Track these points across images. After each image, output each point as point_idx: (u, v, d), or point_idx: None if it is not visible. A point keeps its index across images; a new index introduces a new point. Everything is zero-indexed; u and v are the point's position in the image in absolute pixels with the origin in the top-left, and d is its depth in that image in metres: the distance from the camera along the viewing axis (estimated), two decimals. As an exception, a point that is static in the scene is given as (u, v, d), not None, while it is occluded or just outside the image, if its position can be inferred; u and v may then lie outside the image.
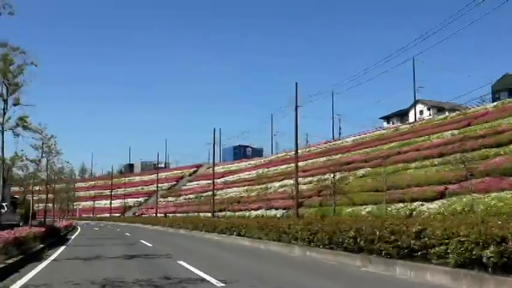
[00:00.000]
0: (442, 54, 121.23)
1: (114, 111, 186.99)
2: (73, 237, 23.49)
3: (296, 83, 30.40)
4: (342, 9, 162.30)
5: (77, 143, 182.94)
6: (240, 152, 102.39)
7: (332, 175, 23.32)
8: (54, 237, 17.41)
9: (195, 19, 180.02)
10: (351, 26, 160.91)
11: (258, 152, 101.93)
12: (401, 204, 22.42)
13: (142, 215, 71.49)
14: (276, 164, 64.93)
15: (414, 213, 20.38)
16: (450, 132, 35.91)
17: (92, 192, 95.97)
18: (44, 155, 16.32)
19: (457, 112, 46.89)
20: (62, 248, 15.17)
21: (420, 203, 21.56)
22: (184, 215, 55.73)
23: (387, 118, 70.36)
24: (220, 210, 47.84)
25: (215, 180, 77.61)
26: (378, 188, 27.68)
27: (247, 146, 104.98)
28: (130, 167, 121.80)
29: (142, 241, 19.53)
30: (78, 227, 43.69)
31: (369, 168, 35.42)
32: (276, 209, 36.90)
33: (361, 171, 36.11)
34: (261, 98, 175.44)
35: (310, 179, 43.30)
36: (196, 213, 52.68)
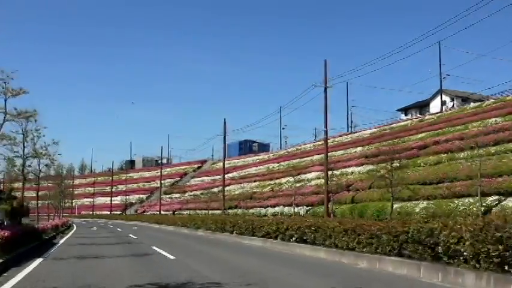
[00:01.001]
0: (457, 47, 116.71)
1: (113, 110, 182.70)
2: (62, 241, 18.65)
3: (325, 61, 26.12)
4: (344, 8, 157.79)
5: (77, 141, 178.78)
6: (246, 147, 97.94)
7: (389, 163, 18.78)
8: (31, 243, 12.98)
9: (196, 19, 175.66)
10: (352, 26, 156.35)
11: (264, 147, 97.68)
12: (468, 199, 18.03)
13: (145, 213, 67.31)
14: (287, 158, 60.61)
15: (494, 210, 16.04)
16: (493, 119, 31.78)
17: (92, 189, 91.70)
18: (7, 117, 10.99)
19: (492, 100, 42.66)
20: (36, 263, 9.99)
21: (496, 197, 17.21)
22: (193, 212, 51.49)
23: (405, 110, 65.92)
24: (231, 207, 43.57)
25: (221, 176, 73.49)
26: (425, 181, 23.44)
27: (253, 141, 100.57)
28: (131, 163, 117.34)
29: (156, 249, 14.19)
30: (74, 226, 39.34)
31: (405, 160, 31.10)
32: (297, 205, 32.57)
33: (394, 164, 31.91)
34: (265, 95, 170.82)
35: (330, 172, 38.99)
36: (204, 211, 48.29)
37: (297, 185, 41.18)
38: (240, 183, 56.03)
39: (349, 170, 36.58)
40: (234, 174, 67.80)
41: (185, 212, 54.10)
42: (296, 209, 31.87)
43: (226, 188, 57.67)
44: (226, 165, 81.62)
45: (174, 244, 17.40)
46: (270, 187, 45.32)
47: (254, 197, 43.35)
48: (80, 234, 24.69)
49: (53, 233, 20.31)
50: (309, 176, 42.17)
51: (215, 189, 62.55)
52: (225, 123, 42.69)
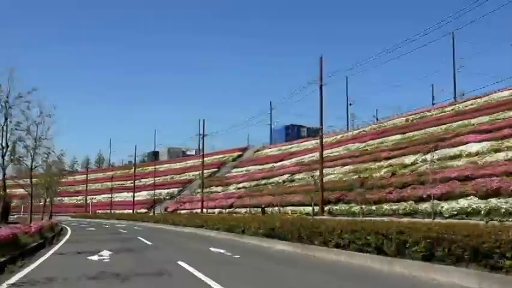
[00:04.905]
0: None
1: (134, 103, 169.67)
2: None
3: None
4: None
5: (95, 135, 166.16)
6: (293, 133, 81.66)
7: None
8: None
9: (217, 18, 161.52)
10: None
11: (313, 132, 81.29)
12: None
13: (178, 211, 51.13)
14: (376, 136, 43.71)
15: None
16: None
17: (109, 184, 76.23)
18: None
19: None
20: None
21: None
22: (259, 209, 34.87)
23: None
24: (330, 202, 26.90)
25: (274, 164, 56.94)
26: None
27: (301, 126, 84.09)
28: (155, 154, 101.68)
29: None
30: (67, 233, 22.98)
31: None
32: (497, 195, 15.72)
33: None
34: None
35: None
36: (298, 208, 31.01)
37: (451, 163, 24.42)
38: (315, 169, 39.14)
39: None
40: (294, 160, 51.27)
41: (243, 211, 37.69)
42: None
43: (298, 176, 41.20)
44: (274, 153, 65.18)
45: None
46: (386, 170, 28.51)
47: (367, 185, 26.43)
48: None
49: None
50: (465, 148, 25.39)
51: (266, 181, 46.33)
52: (321, 61, 25.95)
